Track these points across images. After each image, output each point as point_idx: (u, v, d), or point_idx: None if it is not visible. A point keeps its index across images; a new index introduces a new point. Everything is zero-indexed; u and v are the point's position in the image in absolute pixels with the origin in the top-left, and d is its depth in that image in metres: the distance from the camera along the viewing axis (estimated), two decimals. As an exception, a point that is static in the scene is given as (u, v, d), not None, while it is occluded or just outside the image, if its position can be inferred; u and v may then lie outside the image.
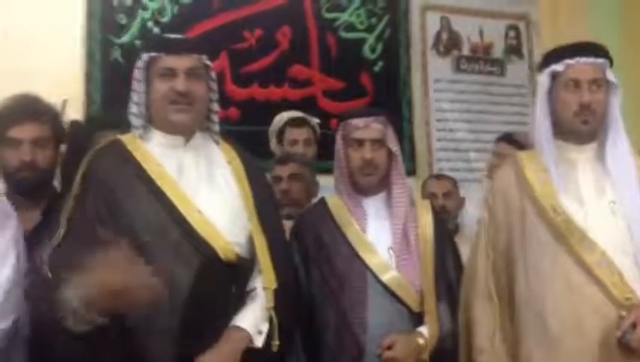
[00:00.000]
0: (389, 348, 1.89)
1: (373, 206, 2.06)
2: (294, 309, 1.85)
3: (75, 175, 1.77)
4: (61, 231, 1.68)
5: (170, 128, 1.79)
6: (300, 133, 2.94)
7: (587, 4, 4.09)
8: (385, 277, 1.95)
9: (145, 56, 1.79)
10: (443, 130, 3.95)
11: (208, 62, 1.83)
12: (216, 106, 1.87)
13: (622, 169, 1.82)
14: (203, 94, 1.80)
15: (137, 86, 1.79)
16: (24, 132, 1.93)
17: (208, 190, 1.77)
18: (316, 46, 3.66)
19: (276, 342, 1.72)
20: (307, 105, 3.46)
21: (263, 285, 1.75)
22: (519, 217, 1.85)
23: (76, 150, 2.13)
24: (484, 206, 1.96)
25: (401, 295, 1.95)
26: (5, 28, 3.05)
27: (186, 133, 1.81)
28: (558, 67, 1.85)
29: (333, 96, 3.65)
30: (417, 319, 1.96)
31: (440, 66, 3.96)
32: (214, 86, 1.85)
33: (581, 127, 1.84)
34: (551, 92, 1.87)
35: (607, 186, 1.82)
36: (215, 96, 1.86)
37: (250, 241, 1.77)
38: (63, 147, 2.11)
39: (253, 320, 1.72)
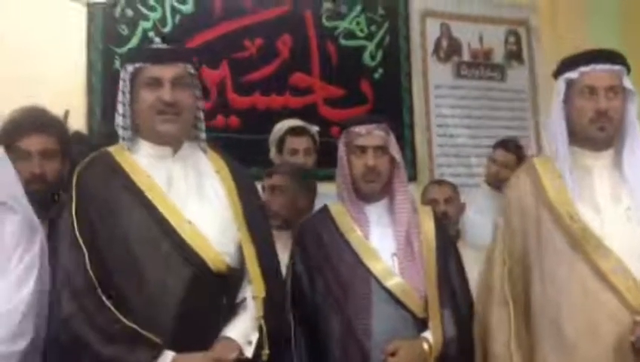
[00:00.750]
0: (393, 354, 1.89)
1: (375, 213, 2.07)
2: (283, 318, 1.86)
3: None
4: (81, 246, 1.65)
5: (157, 139, 1.79)
6: (300, 143, 2.94)
7: (587, 10, 4.10)
8: (389, 284, 1.96)
9: (129, 67, 1.78)
10: (444, 136, 3.95)
11: (193, 71, 1.83)
12: (202, 115, 1.86)
13: (639, 175, 1.82)
14: (189, 103, 1.79)
15: (122, 97, 1.78)
16: (32, 144, 1.93)
17: (197, 201, 1.76)
18: (316, 54, 3.68)
19: (266, 351, 1.71)
20: (308, 113, 3.47)
21: (252, 294, 1.74)
22: (535, 224, 1.85)
23: (78, 162, 2.14)
24: (501, 213, 1.96)
25: (406, 301, 1.95)
26: (6, 37, 3.05)
27: (173, 143, 1.80)
28: (573, 75, 1.85)
29: (334, 103, 3.66)
30: (421, 325, 1.96)
31: (440, 72, 3.97)
32: (200, 94, 1.85)
33: (597, 133, 1.83)
34: (566, 100, 1.87)
35: (623, 193, 1.82)
36: (201, 104, 1.86)
37: (240, 251, 1.76)
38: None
39: (242, 330, 1.71)
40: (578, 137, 1.87)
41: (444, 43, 4.00)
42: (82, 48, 3.25)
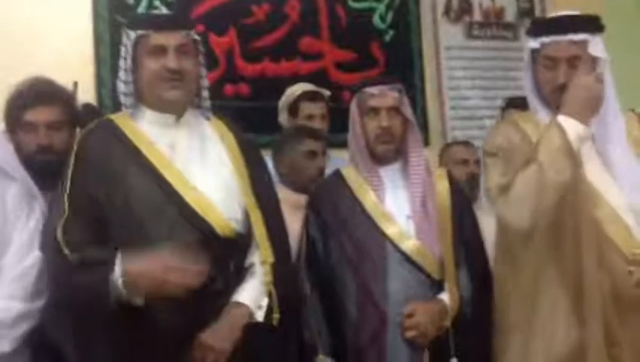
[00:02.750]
0: (410, 315, 1.90)
1: (389, 175, 2.05)
2: (293, 282, 1.86)
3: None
4: (64, 213, 1.66)
5: (161, 106, 1.78)
6: (317, 108, 2.89)
7: (600, -36, 4.00)
8: (404, 246, 1.95)
9: (132, 34, 1.77)
10: (456, 98, 3.90)
11: (197, 37, 1.82)
12: (206, 82, 1.86)
13: (612, 132, 1.80)
14: (193, 71, 1.79)
15: (125, 64, 1.77)
16: (39, 115, 1.93)
17: (202, 167, 1.76)
18: (326, 17, 3.61)
19: (276, 316, 1.72)
20: (318, 78, 3.42)
21: (260, 259, 1.75)
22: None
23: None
24: (485, 153, 1.92)
25: (421, 263, 1.95)
26: (12, 10, 3.02)
27: (177, 110, 1.79)
28: (534, 44, 1.83)
29: (344, 67, 3.61)
30: (438, 286, 1.96)
31: (451, 33, 3.90)
32: (204, 61, 1.84)
33: (557, 105, 1.80)
34: (532, 64, 1.85)
35: (592, 151, 1.80)
36: (204, 71, 1.85)
37: (247, 216, 1.76)
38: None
39: (252, 295, 1.72)
40: (546, 99, 1.86)
41: (455, 3, 3.92)
42: (89, 19, 3.21)
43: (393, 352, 1.90)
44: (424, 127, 3.72)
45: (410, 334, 1.89)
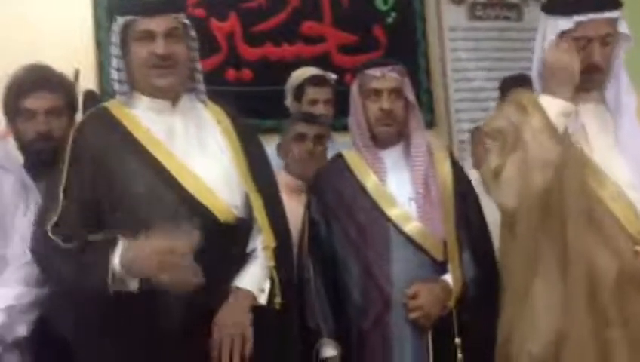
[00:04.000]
0: (414, 297, 1.89)
1: (391, 157, 2.04)
2: (293, 266, 1.86)
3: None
4: (58, 208, 1.64)
5: (155, 92, 1.75)
6: (322, 93, 2.85)
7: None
8: (407, 228, 1.94)
9: (120, 19, 1.73)
10: (460, 80, 3.88)
11: (187, 21, 1.78)
12: (199, 65, 1.82)
13: (622, 109, 1.77)
14: (184, 55, 1.75)
15: (115, 51, 1.74)
16: (37, 102, 1.92)
17: (200, 153, 1.74)
18: (327, 0, 3.58)
19: (278, 300, 1.71)
20: (321, 61, 3.40)
21: (262, 244, 1.74)
22: None
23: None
24: (486, 134, 1.86)
25: (425, 245, 1.94)
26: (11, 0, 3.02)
27: (171, 96, 1.76)
28: (567, 25, 1.73)
29: (347, 50, 3.59)
30: (441, 268, 1.95)
31: (455, 14, 3.87)
32: (195, 45, 1.80)
33: (586, 84, 1.77)
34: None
35: (608, 126, 1.78)
36: (196, 55, 1.81)
37: (247, 202, 1.74)
38: (79, 116, 2.11)
39: (254, 278, 1.71)
40: None
41: (458, -16, 3.89)
42: (88, 5, 3.20)
43: (397, 334, 1.90)
44: (429, 109, 3.70)
45: (413, 315, 1.89)
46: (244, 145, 1.80)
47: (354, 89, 2.07)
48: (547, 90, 1.72)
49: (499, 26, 3.96)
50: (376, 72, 2.02)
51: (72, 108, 2.00)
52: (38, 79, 1.94)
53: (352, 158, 2.06)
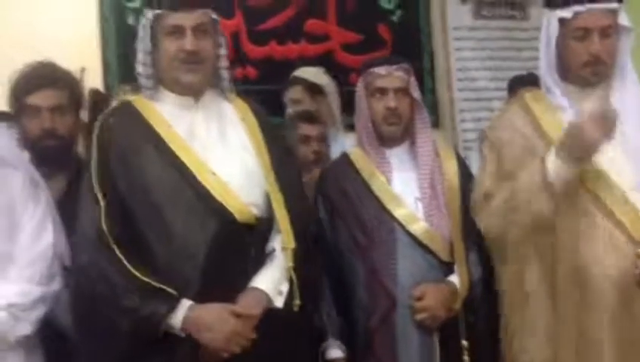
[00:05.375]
0: (420, 298, 1.89)
1: (397, 157, 2.03)
2: (315, 268, 1.82)
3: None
4: (99, 203, 1.65)
5: (180, 88, 1.75)
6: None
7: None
8: (413, 228, 1.94)
9: (149, 13, 1.74)
10: (465, 80, 3.87)
11: (215, 17, 1.78)
12: (225, 62, 1.81)
13: (629, 105, 1.76)
14: (211, 51, 1.75)
15: (143, 45, 1.74)
16: (42, 99, 1.92)
17: (222, 150, 1.73)
18: (332, -1, 3.59)
19: (297, 302, 1.68)
20: (325, 60, 3.40)
21: (281, 245, 1.71)
22: (530, 156, 1.78)
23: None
24: (487, 138, 1.89)
25: (431, 245, 1.93)
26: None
27: (195, 92, 1.76)
28: (566, 14, 1.76)
29: (352, 49, 3.58)
30: (447, 268, 1.94)
31: (460, 13, 3.85)
32: (222, 41, 1.80)
33: (590, 77, 1.77)
34: (558, 37, 1.79)
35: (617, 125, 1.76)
36: (224, 51, 1.81)
37: (268, 200, 1.72)
38: (84, 113, 2.11)
39: (272, 280, 1.68)
40: (569, 75, 1.80)
41: (463, -17, 3.88)
42: (93, 3, 3.20)
43: (403, 335, 1.89)
44: (434, 108, 3.69)
45: (420, 317, 1.88)
46: (268, 143, 1.78)
47: (359, 87, 2.06)
48: (562, 151, 1.69)
49: (504, 26, 3.94)
50: (381, 70, 2.01)
51: (77, 105, 2.01)
52: (43, 76, 1.95)
53: (358, 157, 2.05)
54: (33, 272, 1.69)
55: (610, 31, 1.75)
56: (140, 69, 1.76)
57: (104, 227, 1.63)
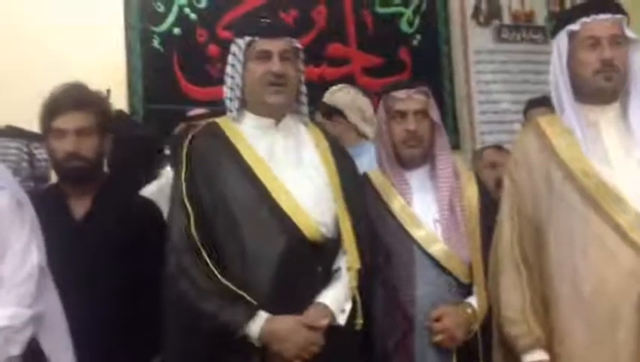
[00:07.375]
0: (438, 320, 1.89)
1: (417, 179, 2.05)
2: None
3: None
4: (189, 214, 1.75)
5: (263, 110, 1.86)
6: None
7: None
8: (432, 250, 1.94)
9: (240, 41, 1.85)
10: (486, 103, 3.89)
11: (298, 45, 1.89)
12: (304, 88, 1.92)
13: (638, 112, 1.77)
14: (295, 76, 1.86)
15: (232, 70, 1.86)
16: (68, 122, 1.96)
17: (296, 171, 1.82)
18: (352, 23, 3.63)
19: (360, 321, 1.76)
20: (346, 83, 3.42)
21: (347, 265, 1.78)
22: (545, 183, 1.79)
23: (122, 140, 2.17)
24: (506, 173, 1.91)
25: (449, 267, 1.94)
26: (45, 19, 3.09)
27: (278, 114, 1.87)
28: (574, 27, 1.79)
29: (372, 73, 3.62)
30: (466, 290, 1.95)
31: (480, 37, 3.89)
32: (302, 68, 1.91)
33: (604, 83, 1.77)
34: (569, 55, 1.80)
35: (632, 145, 1.77)
36: (302, 77, 1.92)
37: (336, 222, 1.81)
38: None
39: (336, 298, 1.76)
40: (583, 92, 1.81)
41: (484, 6, 3.91)
42: (120, 28, 3.27)
43: (420, 357, 1.89)
44: (454, 131, 3.71)
45: (438, 338, 1.88)
46: (339, 167, 1.88)
47: (380, 111, 2.09)
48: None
49: (524, 49, 3.96)
50: (401, 93, 2.04)
51: (103, 128, 2.03)
52: (69, 99, 1.98)
53: (378, 179, 2.07)
54: (23, 294, 1.68)
55: (619, 39, 1.77)
56: (227, 92, 1.87)
57: (194, 233, 1.73)
